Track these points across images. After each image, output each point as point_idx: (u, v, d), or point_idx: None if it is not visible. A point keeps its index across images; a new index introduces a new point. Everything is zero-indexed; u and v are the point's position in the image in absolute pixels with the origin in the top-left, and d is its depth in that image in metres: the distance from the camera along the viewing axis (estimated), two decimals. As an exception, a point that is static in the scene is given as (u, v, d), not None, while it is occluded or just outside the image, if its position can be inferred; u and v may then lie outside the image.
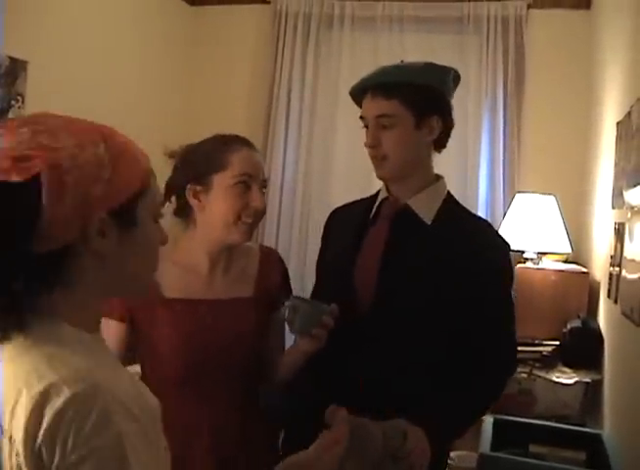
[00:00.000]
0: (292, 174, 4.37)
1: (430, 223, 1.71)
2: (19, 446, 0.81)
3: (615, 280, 2.63)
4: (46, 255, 0.87)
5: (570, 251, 3.62)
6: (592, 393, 2.91)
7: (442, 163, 1.81)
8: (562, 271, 3.42)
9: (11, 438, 0.82)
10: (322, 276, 1.90)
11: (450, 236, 1.68)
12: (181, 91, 4.51)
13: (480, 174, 4.04)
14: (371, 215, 1.79)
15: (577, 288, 3.32)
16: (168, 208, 1.67)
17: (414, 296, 1.65)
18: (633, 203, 2.32)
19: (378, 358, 1.66)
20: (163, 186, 1.65)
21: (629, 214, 2.39)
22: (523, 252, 3.51)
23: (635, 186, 2.28)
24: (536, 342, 3.13)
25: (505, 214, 3.78)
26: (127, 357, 1.66)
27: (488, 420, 2.44)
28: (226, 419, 1.61)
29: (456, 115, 1.77)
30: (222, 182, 1.59)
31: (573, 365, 3.03)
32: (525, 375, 2.94)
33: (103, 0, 3.71)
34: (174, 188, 1.66)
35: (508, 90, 4.02)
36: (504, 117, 4.03)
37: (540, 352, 3.08)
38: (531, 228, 3.51)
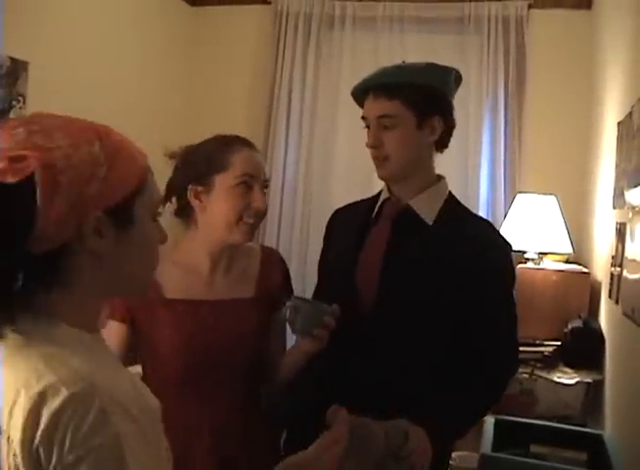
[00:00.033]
0: (292, 175, 4.37)
1: (431, 224, 1.71)
2: (16, 446, 0.81)
3: (616, 280, 2.63)
4: (43, 255, 0.87)
5: (571, 251, 3.62)
6: (593, 393, 2.91)
7: (443, 163, 1.81)
8: (563, 271, 3.42)
9: (9, 438, 0.82)
10: (324, 276, 1.90)
11: (452, 236, 1.68)
12: (182, 91, 4.51)
13: (481, 174, 4.04)
14: (373, 216, 1.79)
15: (578, 288, 3.32)
16: (169, 208, 1.68)
17: (416, 296, 1.65)
18: (634, 203, 2.32)
19: (380, 358, 1.66)
20: (164, 187, 1.65)
21: (630, 214, 2.39)
22: (524, 252, 3.50)
23: (636, 186, 2.28)
24: (537, 342, 3.13)
25: (506, 215, 3.78)
26: (129, 358, 1.66)
27: (490, 420, 2.43)
28: (228, 419, 1.61)
29: (457, 115, 1.77)
30: (224, 183, 1.59)
31: (575, 366, 3.03)
32: (526, 375, 2.94)
33: (103, 0, 3.71)
34: (175, 189, 1.66)
35: (509, 90, 4.02)
36: (505, 118, 4.02)
37: (541, 352, 3.08)
38: (532, 228, 3.51)
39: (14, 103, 3.00)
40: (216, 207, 1.61)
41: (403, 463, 1.37)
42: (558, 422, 2.66)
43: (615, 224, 2.73)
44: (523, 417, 2.60)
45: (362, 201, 1.90)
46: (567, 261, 3.69)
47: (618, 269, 2.57)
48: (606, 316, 3.03)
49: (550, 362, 3.05)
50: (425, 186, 1.74)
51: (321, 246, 1.96)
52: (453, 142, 1.78)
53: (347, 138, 4.22)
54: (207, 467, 1.57)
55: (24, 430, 0.81)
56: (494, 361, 1.69)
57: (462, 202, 1.82)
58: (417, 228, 1.71)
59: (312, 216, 4.33)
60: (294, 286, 1.82)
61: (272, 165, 4.27)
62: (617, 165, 2.78)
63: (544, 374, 2.96)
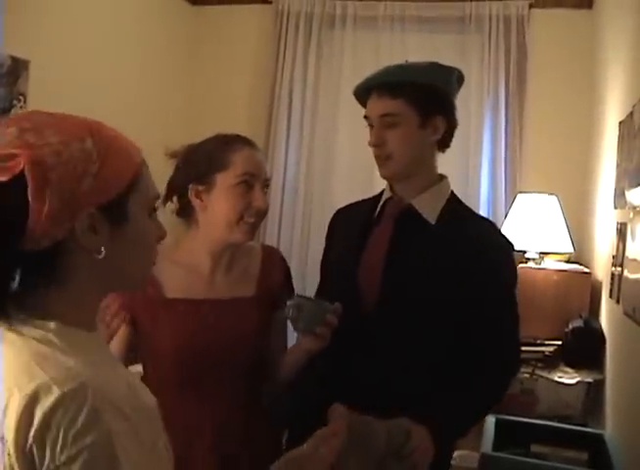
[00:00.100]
0: (293, 174, 4.37)
1: (433, 223, 1.71)
2: (10, 446, 0.81)
3: (617, 280, 2.63)
4: (38, 253, 0.87)
5: (572, 251, 3.62)
6: (594, 393, 2.91)
7: (444, 162, 1.81)
8: (564, 271, 3.42)
9: (3, 438, 0.82)
10: (326, 276, 1.90)
11: (454, 236, 1.68)
12: (182, 91, 4.51)
13: (482, 174, 4.04)
14: (375, 215, 1.79)
15: (579, 288, 3.32)
16: (169, 207, 1.68)
17: (418, 295, 1.65)
18: (635, 203, 2.32)
19: (382, 357, 1.66)
20: (165, 186, 1.65)
21: (631, 214, 2.39)
22: (524, 252, 3.50)
23: (637, 186, 2.28)
24: (538, 342, 3.13)
25: (507, 214, 3.78)
26: (129, 358, 1.66)
27: (490, 420, 2.44)
28: (229, 418, 1.61)
29: (458, 114, 1.77)
30: (224, 182, 1.59)
31: (576, 365, 3.03)
32: (527, 375, 2.94)
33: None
34: (176, 188, 1.66)
35: (510, 89, 4.02)
36: (506, 117, 4.02)
37: (542, 351, 3.08)
38: (533, 228, 3.51)
39: (14, 102, 3.00)
40: (217, 206, 1.60)
41: (405, 462, 1.37)
42: (559, 422, 2.66)
43: (615, 224, 2.73)
44: (523, 417, 2.60)
45: (364, 200, 1.90)
46: (567, 261, 3.69)
47: (619, 269, 2.57)
48: (607, 316, 3.03)
49: (551, 362, 3.05)
50: (427, 185, 1.74)
51: (322, 245, 1.96)
52: (454, 141, 1.78)
53: (348, 138, 4.22)
54: (209, 465, 1.57)
55: (17, 430, 0.81)
56: (496, 361, 1.69)
57: (463, 201, 1.82)
58: (419, 228, 1.71)
59: (313, 216, 4.33)
60: (294, 285, 1.82)
61: (273, 165, 4.27)
62: (618, 165, 2.78)
63: (545, 374, 2.97)
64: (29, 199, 0.84)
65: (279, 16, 4.39)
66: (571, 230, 3.59)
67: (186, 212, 1.67)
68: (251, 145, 1.65)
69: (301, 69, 4.34)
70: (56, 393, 0.81)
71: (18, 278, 0.87)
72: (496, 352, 1.68)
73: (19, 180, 0.85)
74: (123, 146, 0.95)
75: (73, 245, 0.89)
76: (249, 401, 1.66)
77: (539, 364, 3.02)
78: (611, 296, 2.80)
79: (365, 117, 1.74)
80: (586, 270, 3.42)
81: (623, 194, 2.56)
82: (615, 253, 2.69)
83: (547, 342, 3.14)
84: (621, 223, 2.58)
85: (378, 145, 1.69)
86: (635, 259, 2.28)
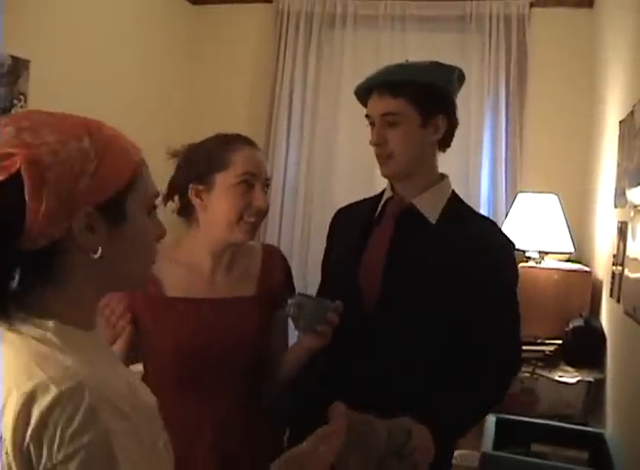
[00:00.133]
0: (294, 174, 4.37)
1: (434, 222, 1.71)
2: (8, 445, 0.81)
3: (617, 279, 2.63)
4: (35, 252, 0.87)
5: (572, 250, 3.62)
6: (595, 392, 2.91)
7: (445, 161, 1.81)
8: (564, 270, 3.42)
9: (1, 437, 0.82)
10: (327, 275, 1.90)
11: (455, 235, 1.68)
12: (183, 90, 4.51)
13: (483, 173, 4.04)
14: (376, 215, 1.79)
15: (580, 287, 3.33)
16: (170, 207, 1.68)
17: (418, 295, 1.65)
18: (636, 201, 2.32)
19: (382, 357, 1.66)
20: (166, 186, 1.65)
21: (632, 213, 2.39)
22: (525, 251, 3.50)
23: (638, 185, 2.28)
24: (539, 341, 3.13)
25: (507, 214, 3.78)
26: (130, 357, 1.66)
27: (491, 419, 2.44)
28: (229, 417, 1.61)
29: (458, 113, 1.77)
30: (224, 181, 1.59)
31: (576, 364, 3.03)
32: (527, 374, 2.94)
33: (105, -1, 3.72)
34: (177, 187, 1.66)
35: (510, 89, 4.02)
36: (506, 116, 4.02)
37: (543, 351, 3.08)
38: (534, 227, 3.51)
39: (15, 102, 3.00)
40: (217, 205, 1.60)
41: (406, 461, 1.36)
42: (559, 421, 2.66)
43: (616, 223, 2.73)
44: (524, 416, 2.60)
45: (365, 200, 1.90)
46: (568, 260, 3.69)
47: (620, 268, 2.57)
48: (607, 315, 3.03)
49: (551, 361, 3.06)
50: (428, 185, 1.74)
51: (322, 245, 1.96)
52: (454, 141, 1.78)
53: (349, 137, 4.22)
54: (209, 465, 1.57)
55: (15, 429, 0.80)
56: (497, 360, 1.69)
57: (464, 201, 1.82)
58: (420, 227, 1.71)
59: (313, 216, 4.33)
60: (295, 285, 1.81)
61: (273, 165, 4.27)
62: (618, 164, 2.78)
63: (545, 373, 2.97)
64: (26, 198, 0.84)
65: (279, 15, 4.39)
66: (571, 229, 3.59)
67: (187, 212, 1.67)
68: (251, 144, 1.65)
69: (302, 68, 4.34)
70: (53, 392, 0.81)
71: (17, 278, 0.87)
72: (497, 352, 1.68)
73: (15, 179, 0.85)
74: (122, 145, 0.95)
75: (71, 244, 0.89)
76: (249, 401, 1.66)
77: (540, 363, 3.02)
78: (611, 295, 2.80)
79: (366, 115, 1.74)
80: (587, 269, 3.42)
81: (624, 193, 2.56)
82: (615, 252, 2.69)
83: (547, 341, 3.14)
84: (622, 222, 2.58)
85: (379, 144, 1.69)
86: (636, 259, 2.28)
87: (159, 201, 1.05)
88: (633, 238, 2.35)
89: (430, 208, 1.72)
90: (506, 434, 2.38)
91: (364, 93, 1.75)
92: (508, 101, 4.02)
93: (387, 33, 4.22)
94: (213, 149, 1.62)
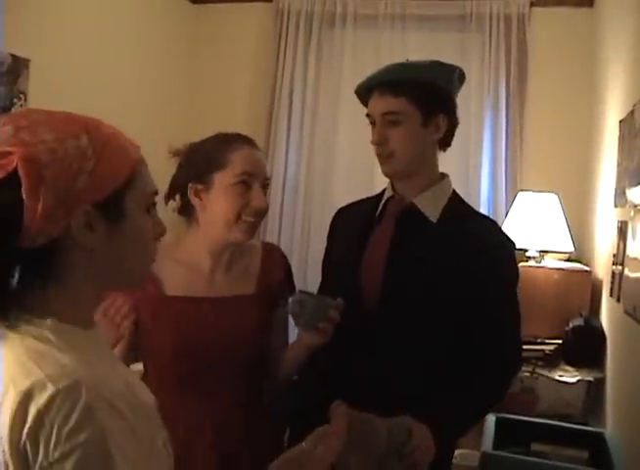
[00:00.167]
0: (294, 174, 4.37)
1: (435, 222, 1.71)
2: (5, 443, 0.81)
3: (617, 278, 2.63)
4: (34, 251, 0.87)
5: (572, 249, 3.62)
6: (595, 391, 2.91)
7: (445, 161, 1.81)
8: (564, 270, 3.42)
9: None
10: (328, 275, 1.90)
11: (456, 235, 1.68)
12: (183, 89, 4.50)
13: (483, 173, 4.04)
14: (377, 214, 1.79)
15: (580, 286, 3.33)
16: (172, 205, 1.68)
17: (419, 294, 1.65)
18: (636, 201, 2.32)
19: (383, 356, 1.66)
20: (166, 185, 1.65)
21: (632, 213, 2.39)
22: (525, 250, 3.50)
23: (638, 184, 2.28)
24: (539, 340, 3.13)
25: (507, 213, 3.78)
26: (130, 356, 1.66)
27: (491, 418, 2.44)
28: (229, 416, 1.61)
29: (459, 113, 1.77)
30: (223, 181, 1.59)
31: (576, 364, 3.03)
32: (527, 374, 2.94)
33: (105, -2, 3.72)
34: (178, 187, 1.66)
35: (510, 88, 4.02)
36: (506, 116, 4.02)
37: (543, 350, 3.08)
38: (534, 227, 3.51)
39: (15, 100, 3.00)
40: (216, 205, 1.60)
41: (406, 460, 1.37)
42: (559, 420, 2.66)
43: (616, 223, 2.73)
44: (524, 415, 2.60)
45: (365, 199, 1.90)
46: (568, 260, 3.70)
47: (620, 268, 2.57)
48: (607, 315, 3.03)
49: (551, 361, 3.05)
50: (429, 184, 1.74)
51: (322, 245, 1.96)
52: (454, 140, 1.78)
53: (349, 137, 4.22)
54: (209, 464, 1.57)
55: (12, 427, 0.81)
56: (497, 360, 1.69)
57: (464, 200, 1.82)
58: (421, 226, 1.71)
59: (313, 215, 4.33)
60: (295, 283, 1.81)
61: (273, 165, 4.27)
62: (618, 164, 2.78)
63: (545, 372, 2.97)
64: (24, 197, 0.85)
65: (279, 14, 4.39)
66: (571, 229, 3.59)
67: (187, 211, 1.67)
68: (250, 144, 1.65)
69: (302, 68, 4.34)
70: (50, 390, 0.81)
71: (16, 276, 0.87)
72: (497, 352, 1.68)
73: (13, 178, 0.85)
74: (121, 143, 0.95)
75: (70, 242, 0.89)
76: (249, 400, 1.66)
77: (540, 363, 3.02)
78: (611, 294, 2.80)
79: (367, 115, 1.74)
80: (587, 269, 3.42)
81: (624, 192, 2.56)
82: (615, 251, 2.69)
83: (547, 340, 3.14)
84: (622, 222, 2.58)
85: (380, 143, 1.69)
86: (636, 258, 2.28)
87: (159, 199, 1.04)
88: (633, 237, 2.35)
89: (430, 207, 1.72)
90: (506, 433, 2.38)
91: (365, 92, 1.75)
92: (508, 100, 4.02)
93: (387, 33, 4.22)
94: (212, 148, 1.62)
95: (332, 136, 4.34)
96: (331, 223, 1.95)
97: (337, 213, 1.96)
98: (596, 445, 2.35)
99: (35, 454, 0.80)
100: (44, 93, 3.07)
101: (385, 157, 1.70)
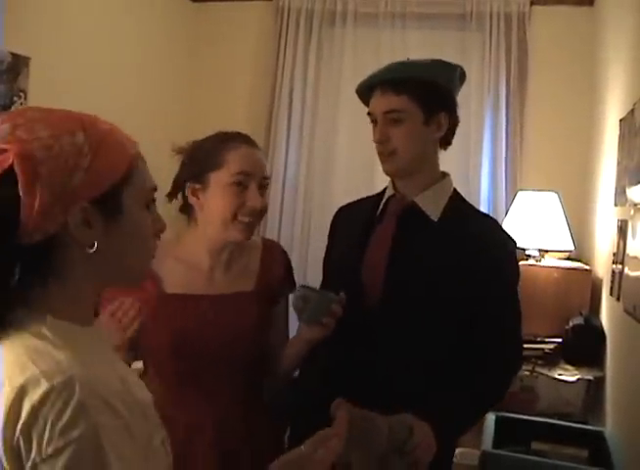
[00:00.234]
0: (293, 173, 4.36)
1: (436, 220, 1.71)
2: None
3: (617, 277, 2.63)
4: (32, 247, 0.87)
5: (572, 248, 3.62)
6: (594, 390, 2.91)
7: (445, 160, 1.81)
8: (564, 269, 3.42)
9: None
10: (329, 274, 1.90)
11: (457, 233, 1.68)
12: (183, 88, 4.50)
13: (483, 172, 4.03)
14: (378, 213, 1.79)
15: (580, 285, 3.33)
16: (175, 204, 1.68)
17: (421, 293, 1.65)
18: (636, 200, 2.32)
19: (385, 355, 1.66)
20: (168, 183, 1.65)
21: (632, 212, 2.39)
22: (525, 249, 3.50)
23: (638, 183, 2.28)
24: (539, 339, 3.13)
25: (507, 212, 3.78)
26: (130, 355, 1.66)
27: (491, 417, 2.44)
28: (229, 413, 1.62)
29: (459, 112, 1.77)
30: (219, 180, 1.58)
31: (576, 363, 3.03)
32: (527, 372, 2.94)
33: (105, -4, 3.71)
34: (178, 185, 1.66)
35: (510, 87, 4.01)
36: (506, 115, 4.02)
37: (542, 349, 3.09)
38: (534, 225, 3.51)
39: (15, 99, 3.00)
40: (212, 204, 1.60)
41: (407, 458, 1.37)
42: (559, 419, 2.66)
43: (616, 221, 2.73)
44: (524, 414, 2.60)
45: (366, 198, 1.90)
46: (568, 259, 3.70)
47: (620, 266, 2.57)
48: (607, 313, 3.03)
49: (551, 359, 3.06)
50: (430, 183, 1.74)
51: (322, 243, 1.96)
52: (454, 139, 1.78)
53: (349, 136, 4.22)
54: (209, 461, 1.57)
55: (6, 423, 0.81)
56: (498, 358, 1.69)
57: (465, 199, 1.82)
58: (422, 225, 1.71)
59: (313, 215, 4.33)
60: (295, 280, 1.81)
61: (273, 164, 4.26)
62: (618, 163, 2.78)
63: (545, 371, 2.97)
64: (20, 193, 0.85)
65: (279, 12, 4.38)
66: (571, 227, 3.59)
67: (188, 209, 1.67)
68: (249, 143, 1.64)
69: (302, 67, 4.33)
70: (44, 386, 0.81)
71: (18, 273, 0.87)
72: (498, 350, 1.68)
73: (9, 175, 0.85)
74: (117, 139, 0.95)
75: (68, 239, 0.89)
76: (248, 397, 1.66)
77: (539, 362, 3.03)
78: (611, 293, 2.80)
79: (368, 113, 1.74)
80: (587, 268, 3.42)
81: (624, 191, 2.56)
82: (615, 250, 2.69)
83: (547, 339, 3.14)
84: (622, 221, 2.58)
85: (382, 141, 1.69)
86: (636, 257, 2.28)
87: (160, 196, 1.04)
88: (633, 236, 2.35)
89: (431, 206, 1.72)
90: (506, 432, 2.38)
91: (366, 91, 1.75)
92: (508, 99, 4.02)
93: (387, 31, 4.22)
94: (210, 148, 1.62)
95: (332, 135, 4.33)
96: (331, 222, 1.94)
97: (337, 212, 1.95)
98: (596, 443, 2.36)
99: (28, 451, 0.80)
100: (44, 91, 3.07)
101: (386, 155, 1.70)
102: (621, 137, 2.75)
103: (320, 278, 1.93)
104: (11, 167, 0.85)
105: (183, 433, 1.54)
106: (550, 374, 2.94)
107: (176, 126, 3.99)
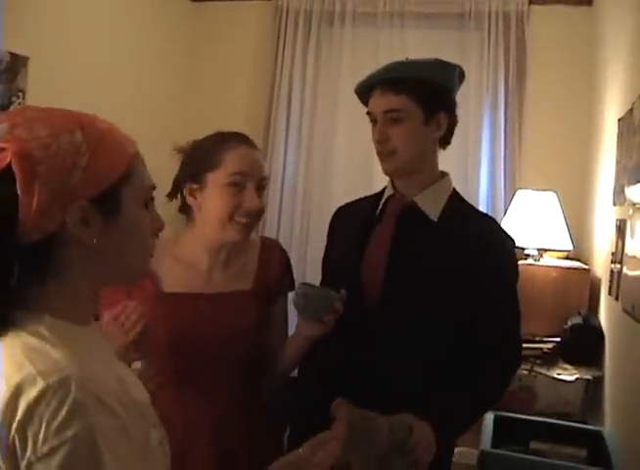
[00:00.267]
0: (292, 174, 4.36)
1: (436, 220, 1.71)
2: None
3: (616, 277, 2.64)
4: (31, 246, 0.87)
5: (571, 247, 3.62)
6: (593, 390, 2.91)
7: (444, 159, 1.81)
8: (563, 268, 3.42)
9: None
10: (328, 273, 1.90)
11: (456, 233, 1.68)
12: (182, 87, 4.50)
13: (481, 171, 4.03)
14: (377, 213, 1.79)
15: (578, 285, 3.33)
16: (174, 204, 1.68)
17: (420, 293, 1.65)
18: (635, 199, 2.32)
19: (384, 355, 1.66)
20: (166, 183, 1.65)
21: (631, 211, 2.39)
22: (524, 248, 3.50)
23: (637, 183, 2.28)
24: (537, 338, 3.13)
25: (506, 211, 3.78)
26: (133, 357, 1.65)
27: (489, 417, 2.44)
28: (228, 413, 1.61)
29: (457, 111, 1.77)
30: (216, 181, 1.58)
31: (574, 362, 3.03)
32: (525, 372, 2.94)
33: (104, -4, 3.71)
34: (178, 185, 1.66)
35: (509, 87, 4.02)
36: (505, 114, 4.02)
37: (541, 348, 3.09)
38: (532, 225, 3.51)
39: (13, 98, 3.00)
40: (210, 205, 1.60)
41: (407, 457, 1.37)
42: (558, 419, 2.67)
43: (615, 221, 2.73)
44: (522, 414, 2.61)
45: (365, 198, 1.90)
46: (567, 258, 3.70)
47: (618, 266, 2.58)
48: (606, 313, 3.03)
49: (550, 359, 3.06)
50: (429, 183, 1.74)
51: (321, 243, 1.96)
52: (453, 139, 1.78)
53: (347, 136, 4.22)
54: (208, 461, 1.57)
55: (2, 421, 0.81)
56: (498, 358, 1.69)
57: (464, 198, 1.82)
58: (422, 225, 1.71)
59: (312, 215, 4.33)
60: (294, 278, 1.81)
61: (272, 164, 4.26)
62: (617, 162, 2.78)
63: (544, 371, 2.97)
64: (18, 192, 0.85)
65: (278, 12, 4.38)
66: (570, 227, 3.59)
67: (187, 209, 1.67)
68: (247, 143, 1.64)
69: (300, 67, 4.33)
70: (40, 384, 0.81)
71: (17, 272, 0.87)
72: (498, 350, 1.68)
73: (7, 174, 0.85)
74: (116, 138, 0.95)
75: (67, 238, 0.89)
76: (247, 396, 1.66)
77: (538, 361, 3.03)
78: (610, 293, 2.80)
79: (368, 113, 1.74)
80: (585, 267, 3.42)
81: (623, 191, 2.56)
82: (614, 250, 2.69)
83: (546, 339, 3.15)
84: (621, 220, 2.59)
85: (381, 141, 1.69)
86: (634, 257, 2.28)
87: (158, 195, 1.04)
88: (632, 236, 2.35)
89: (431, 205, 1.72)
90: (504, 431, 2.38)
91: (365, 91, 1.75)
92: (507, 98, 4.02)
93: (385, 31, 4.22)
94: (208, 148, 1.62)
95: (330, 135, 4.33)
96: (330, 222, 1.94)
97: (336, 212, 1.95)
98: (594, 443, 2.36)
99: (24, 449, 0.80)
100: (43, 91, 3.07)
101: (386, 154, 1.70)
102: (620, 136, 2.75)
103: (319, 278, 1.92)
104: (9, 166, 0.85)
105: (181, 432, 1.54)
106: (549, 374, 2.95)
107: (175, 126, 3.99)
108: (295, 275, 1.82)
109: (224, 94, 4.50)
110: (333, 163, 4.32)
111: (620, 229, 2.57)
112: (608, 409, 2.75)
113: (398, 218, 1.74)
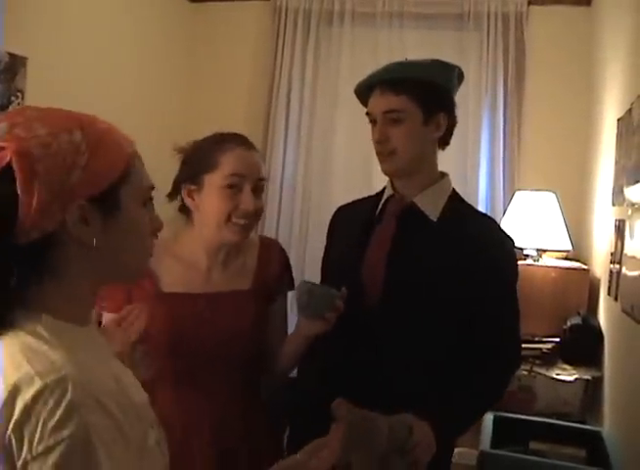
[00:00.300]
0: (291, 174, 4.36)
1: (436, 220, 1.71)
2: None
3: (615, 277, 2.64)
4: (30, 246, 0.87)
5: (570, 248, 3.62)
6: (592, 390, 2.92)
7: (443, 160, 1.81)
8: (562, 268, 3.42)
9: None
10: (328, 273, 1.89)
11: (456, 233, 1.68)
12: (181, 88, 4.50)
13: (480, 172, 4.04)
14: (377, 213, 1.79)
15: (578, 285, 3.33)
16: (173, 204, 1.68)
17: (421, 293, 1.65)
18: (634, 200, 2.32)
19: (384, 355, 1.66)
20: (164, 183, 1.65)
21: (630, 211, 2.40)
22: (523, 249, 3.50)
23: (636, 183, 2.28)
24: (536, 339, 3.13)
25: (505, 212, 3.78)
26: (134, 359, 1.65)
27: (488, 417, 2.44)
28: (227, 412, 1.61)
29: (456, 112, 1.77)
30: (213, 182, 1.58)
31: (574, 362, 3.03)
32: (525, 372, 2.95)
33: (102, -4, 3.71)
34: (176, 185, 1.66)
35: (508, 87, 4.02)
36: (504, 115, 4.02)
37: (540, 349, 3.09)
38: (531, 225, 3.51)
39: (12, 98, 2.99)
40: (207, 206, 1.60)
41: (407, 457, 1.37)
42: (557, 419, 2.67)
43: (614, 221, 2.73)
44: (522, 414, 2.61)
45: (365, 198, 1.90)
46: (566, 258, 3.70)
47: (617, 266, 2.58)
48: (605, 313, 3.04)
49: (549, 359, 3.06)
50: (429, 183, 1.74)
51: (320, 244, 1.96)
52: (452, 139, 1.78)
53: (346, 136, 4.22)
54: (208, 460, 1.57)
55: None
56: (498, 358, 1.69)
57: (464, 199, 1.82)
58: (421, 225, 1.71)
59: (311, 215, 4.33)
60: (294, 277, 1.81)
61: (271, 164, 4.26)
62: (616, 162, 2.78)
63: (543, 371, 2.97)
64: (18, 191, 0.85)
65: (277, 12, 4.38)
66: (569, 227, 3.59)
67: (186, 209, 1.67)
68: (244, 145, 1.63)
69: (300, 67, 4.33)
70: (37, 384, 0.81)
71: (16, 272, 0.87)
72: (498, 350, 1.68)
73: (6, 173, 0.85)
74: (115, 138, 0.96)
75: (66, 237, 0.89)
76: (246, 395, 1.66)
77: (537, 361, 3.03)
78: (609, 293, 2.80)
79: (367, 113, 1.74)
80: (584, 267, 3.43)
81: (622, 191, 2.56)
82: (613, 250, 2.70)
83: (545, 339, 3.15)
84: (620, 220, 2.59)
85: (381, 141, 1.69)
86: (633, 257, 2.28)
87: (157, 194, 1.04)
88: (631, 236, 2.35)
89: (431, 206, 1.72)
90: (504, 432, 2.38)
91: (365, 91, 1.75)
92: (506, 99, 4.02)
93: (384, 31, 4.22)
94: (205, 149, 1.62)
95: (329, 135, 4.33)
96: (330, 222, 1.94)
97: (336, 212, 1.95)
98: (594, 443, 2.36)
99: (19, 449, 0.80)
100: (42, 91, 3.06)
101: (385, 155, 1.70)
102: (619, 136, 2.75)
103: (318, 277, 1.92)
104: (9, 165, 0.85)
105: (181, 431, 1.54)
106: (548, 374, 2.95)
107: (174, 126, 3.99)
108: (294, 275, 1.82)
109: (223, 94, 4.50)
110: (332, 162, 4.32)
111: (620, 229, 2.57)
112: (607, 410, 2.75)
113: (398, 219, 1.74)
